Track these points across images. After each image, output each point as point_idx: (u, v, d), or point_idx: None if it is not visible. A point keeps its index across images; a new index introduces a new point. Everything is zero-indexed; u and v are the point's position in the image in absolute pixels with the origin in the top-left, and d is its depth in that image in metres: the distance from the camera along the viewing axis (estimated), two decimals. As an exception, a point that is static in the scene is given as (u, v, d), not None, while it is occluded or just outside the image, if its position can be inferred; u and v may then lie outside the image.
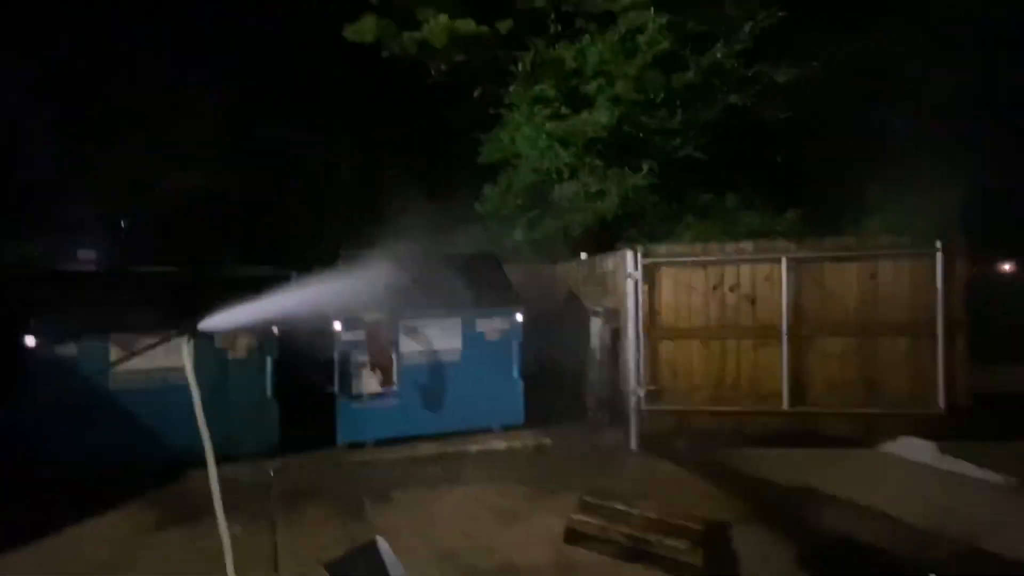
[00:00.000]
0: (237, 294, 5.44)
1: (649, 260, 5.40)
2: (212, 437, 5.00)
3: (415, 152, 10.64)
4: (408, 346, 5.46)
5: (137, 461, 4.72)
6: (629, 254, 5.40)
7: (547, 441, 5.44)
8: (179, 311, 5.20)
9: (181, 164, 10.13)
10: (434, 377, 5.51)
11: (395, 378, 5.37)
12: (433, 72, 9.06)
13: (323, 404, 5.31)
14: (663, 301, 5.46)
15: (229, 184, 9.81)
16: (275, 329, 5.21)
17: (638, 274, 5.32)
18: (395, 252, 6.72)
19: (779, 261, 5.32)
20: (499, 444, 5.36)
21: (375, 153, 10.52)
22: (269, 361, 5.13)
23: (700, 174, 8.00)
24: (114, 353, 4.76)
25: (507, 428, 5.66)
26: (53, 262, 9.51)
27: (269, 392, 5.12)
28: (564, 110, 7.95)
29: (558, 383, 6.73)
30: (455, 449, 5.25)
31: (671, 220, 8.06)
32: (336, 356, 5.25)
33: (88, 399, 4.67)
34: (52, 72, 9.31)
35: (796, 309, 5.31)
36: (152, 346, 1.05)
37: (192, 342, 1.19)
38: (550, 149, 7.79)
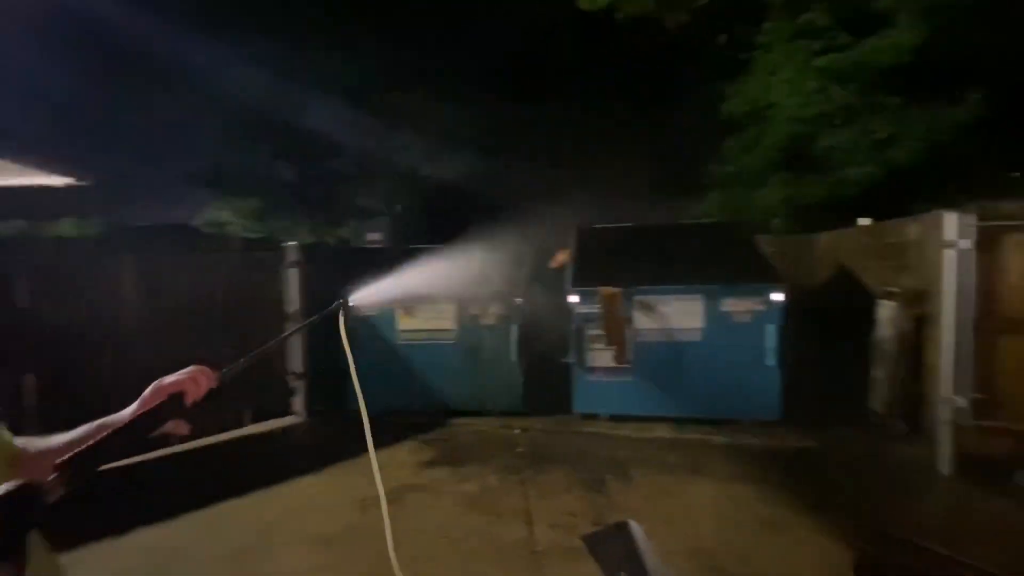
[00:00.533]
0: (488, 267, 5.91)
1: (987, 224, 3.92)
2: (467, 392, 5.68)
3: (644, 120, 10.07)
4: (643, 322, 5.21)
5: (415, 405, 5.67)
6: (951, 216, 4.00)
7: (812, 445, 4.57)
8: (440, 282, 6.00)
9: (436, 153, 11.69)
10: (671, 357, 5.14)
11: (628, 354, 5.21)
12: (669, 27, 8.30)
13: (560, 372, 5.50)
14: (1010, 280, 3.93)
15: (474, 167, 10.92)
16: (519, 300, 5.57)
17: (967, 243, 3.92)
18: (627, 224, 6.49)
19: None
20: (749, 440, 4.72)
21: (603, 123, 10.31)
22: (514, 329, 5.52)
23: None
24: (400, 317, 5.77)
25: (758, 422, 4.96)
26: (358, 242, 12.24)
27: (513, 356, 5.52)
28: (843, 39, 6.34)
29: (825, 377, 5.61)
30: (695, 437, 4.84)
31: (1007, 169, 5.80)
32: (572, 327, 5.35)
33: (384, 352, 5.76)
34: (338, 82, 11.62)
35: None
36: (311, 322, 1.18)
37: (344, 314, 1.32)
38: (821, 91, 6.34)
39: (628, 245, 5.99)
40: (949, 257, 4.00)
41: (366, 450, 1.23)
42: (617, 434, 5.01)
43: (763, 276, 5.08)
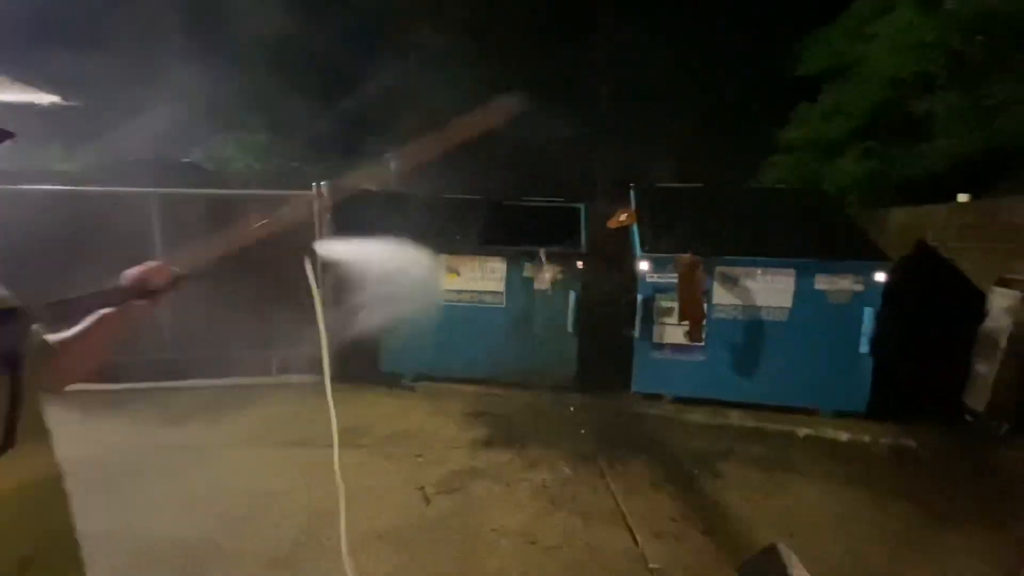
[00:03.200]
0: (530, 221, 5.21)
1: None
2: (517, 363, 5.12)
3: (704, 75, 9.14)
4: (723, 297, 4.64)
5: (455, 372, 5.13)
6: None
7: (910, 443, 4.13)
8: (488, 234, 5.34)
9: (463, 94, 10.72)
10: (752, 337, 4.61)
11: (704, 332, 4.67)
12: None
13: (618, 347, 4.97)
14: None
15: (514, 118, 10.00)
16: (580, 264, 4.96)
17: None
18: (695, 185, 5.83)
19: None
20: (837, 433, 4.27)
21: (657, 76, 9.38)
22: (572, 296, 4.93)
23: None
24: (443, 272, 5.13)
25: (840, 414, 4.51)
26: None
27: (570, 327, 4.95)
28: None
29: (909, 368, 5.14)
30: (776, 427, 4.37)
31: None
32: (640, 298, 4.77)
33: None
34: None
35: None
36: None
37: (312, 261, 1.43)
38: (936, 47, 5.54)
39: (700, 209, 5.34)
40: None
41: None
42: (687, 419, 4.53)
43: (864, 252, 4.50)
